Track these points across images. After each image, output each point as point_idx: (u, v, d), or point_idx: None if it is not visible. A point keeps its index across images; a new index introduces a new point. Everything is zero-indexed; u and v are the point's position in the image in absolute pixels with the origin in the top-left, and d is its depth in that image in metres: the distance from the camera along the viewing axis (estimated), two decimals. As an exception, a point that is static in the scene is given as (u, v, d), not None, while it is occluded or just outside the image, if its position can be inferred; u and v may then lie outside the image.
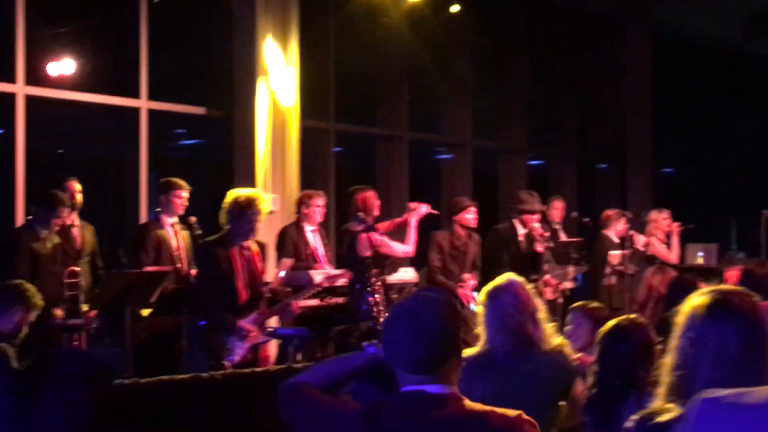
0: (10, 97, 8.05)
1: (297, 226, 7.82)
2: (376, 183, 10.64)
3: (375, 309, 7.08)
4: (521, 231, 8.91)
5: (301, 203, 7.88)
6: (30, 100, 8.15)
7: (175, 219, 7.30)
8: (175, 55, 9.77)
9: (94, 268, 7.37)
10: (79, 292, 6.92)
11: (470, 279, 8.30)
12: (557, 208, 9.95)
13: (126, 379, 5.19)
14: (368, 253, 7.18)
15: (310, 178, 9.53)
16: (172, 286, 7.01)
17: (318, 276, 7.16)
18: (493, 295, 3.95)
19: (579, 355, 4.26)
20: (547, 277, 8.66)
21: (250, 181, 8.65)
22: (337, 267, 7.66)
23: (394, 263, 7.95)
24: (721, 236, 13.55)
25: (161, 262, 7.08)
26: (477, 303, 4.13)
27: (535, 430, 2.46)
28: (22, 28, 8.06)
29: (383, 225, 7.70)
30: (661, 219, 9.75)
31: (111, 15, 9.25)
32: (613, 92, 13.85)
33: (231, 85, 9.25)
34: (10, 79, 8.05)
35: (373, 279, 7.13)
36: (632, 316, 4.02)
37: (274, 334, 6.89)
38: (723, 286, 2.40)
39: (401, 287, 7.84)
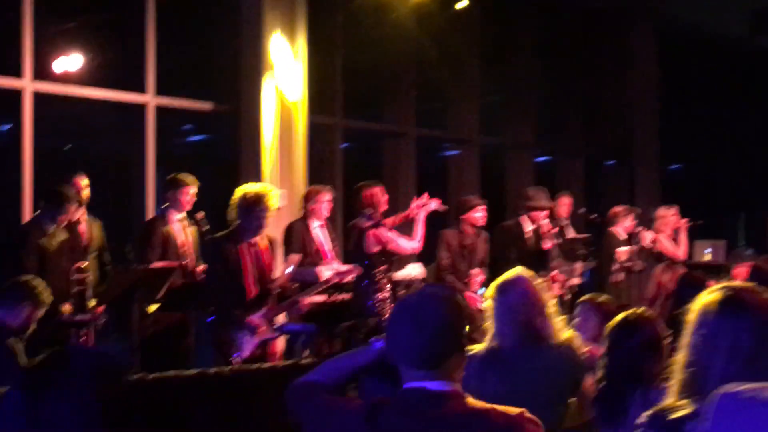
0: (18, 93, 8.04)
1: (304, 221, 7.79)
2: (383, 179, 10.59)
3: (382, 305, 7.07)
4: (529, 227, 8.90)
5: (308, 199, 7.85)
6: (37, 96, 8.14)
7: (183, 215, 7.29)
8: (182, 50, 9.75)
9: (101, 264, 7.35)
10: (87, 287, 6.91)
11: (478, 274, 8.30)
12: (565, 205, 9.95)
13: (133, 374, 5.18)
14: (375, 250, 7.17)
15: (317, 174, 9.50)
16: (180, 281, 7.02)
17: (327, 272, 7.14)
18: (502, 289, 3.96)
19: (588, 347, 4.25)
20: (554, 273, 8.65)
21: (257, 177, 8.63)
22: (344, 263, 7.64)
23: (401, 259, 7.95)
24: (729, 233, 13.53)
25: (168, 258, 7.08)
26: (484, 300, 4.13)
27: (538, 429, 2.43)
28: (30, 23, 8.05)
29: (389, 219, 7.69)
30: (668, 215, 9.73)
31: (118, 11, 9.24)
32: (619, 88, 13.79)
33: (238, 81, 9.23)
34: (18, 74, 8.05)
35: (380, 275, 7.12)
36: (640, 309, 3.99)
37: (282, 330, 6.89)
38: (734, 283, 2.40)
39: (409, 283, 7.83)
